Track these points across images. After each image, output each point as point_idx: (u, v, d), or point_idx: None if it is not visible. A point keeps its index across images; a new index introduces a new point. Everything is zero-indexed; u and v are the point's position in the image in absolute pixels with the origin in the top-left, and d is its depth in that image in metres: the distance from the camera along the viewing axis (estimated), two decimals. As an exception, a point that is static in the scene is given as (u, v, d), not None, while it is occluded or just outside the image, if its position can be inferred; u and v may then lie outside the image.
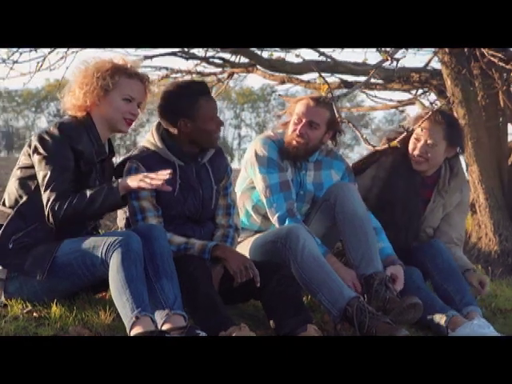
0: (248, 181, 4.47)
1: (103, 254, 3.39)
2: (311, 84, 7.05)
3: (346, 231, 4.21)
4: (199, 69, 7.32)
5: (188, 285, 3.50)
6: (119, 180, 3.53)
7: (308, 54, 5.92)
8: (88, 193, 3.48)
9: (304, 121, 4.34)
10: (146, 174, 3.48)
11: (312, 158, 4.48)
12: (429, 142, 4.51)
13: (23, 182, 3.62)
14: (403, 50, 3.58)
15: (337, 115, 3.84)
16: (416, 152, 4.54)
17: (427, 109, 4.91)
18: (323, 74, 6.52)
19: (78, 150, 3.56)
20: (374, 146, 3.48)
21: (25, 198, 3.60)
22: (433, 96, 6.48)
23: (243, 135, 74.00)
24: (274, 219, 4.32)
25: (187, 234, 3.90)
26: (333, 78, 6.82)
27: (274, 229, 4.32)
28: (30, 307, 3.53)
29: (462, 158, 4.85)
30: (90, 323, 3.53)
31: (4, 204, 3.66)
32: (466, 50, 5.55)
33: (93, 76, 3.66)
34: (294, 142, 4.36)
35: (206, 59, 6.83)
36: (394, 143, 3.62)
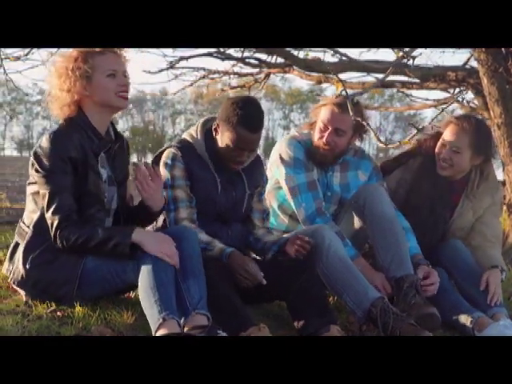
0: (274, 181, 4.46)
1: (135, 260, 3.39)
2: (348, 84, 7.00)
3: (375, 233, 4.18)
4: (236, 69, 7.34)
5: (208, 286, 3.48)
6: (136, 230, 3.43)
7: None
8: (100, 233, 3.40)
9: (330, 129, 4.32)
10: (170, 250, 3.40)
11: (339, 160, 4.45)
12: (454, 148, 4.42)
13: (34, 198, 3.58)
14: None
15: (351, 113, 3.80)
16: (441, 157, 4.47)
17: (456, 115, 4.79)
18: (359, 74, 6.55)
19: (73, 158, 3.46)
20: (386, 145, 3.43)
21: (38, 214, 3.54)
22: (470, 95, 6.40)
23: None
24: (302, 218, 4.31)
25: (215, 232, 3.93)
26: (369, 78, 6.78)
27: (301, 229, 4.30)
28: (54, 307, 3.55)
29: (494, 163, 4.75)
30: (113, 323, 3.54)
31: (24, 221, 3.63)
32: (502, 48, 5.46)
33: (67, 70, 3.54)
34: (321, 150, 4.36)
35: (241, 60, 6.83)
36: (406, 141, 3.57)
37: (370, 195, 4.22)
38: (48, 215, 3.45)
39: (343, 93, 3.40)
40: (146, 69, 7.22)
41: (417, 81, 6.33)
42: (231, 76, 7.48)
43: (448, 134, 4.46)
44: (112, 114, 3.68)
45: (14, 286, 3.64)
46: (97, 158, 3.57)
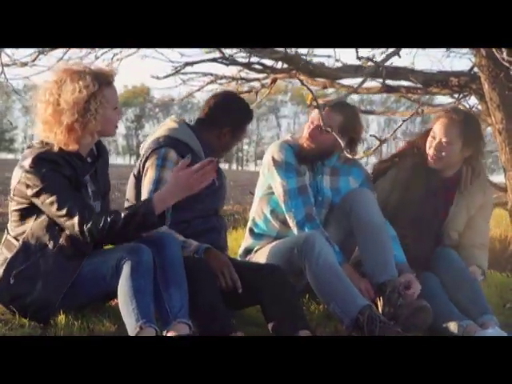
0: (266, 186, 4.45)
1: (114, 268, 3.40)
2: (352, 88, 6.96)
3: (360, 239, 4.18)
4: (243, 75, 7.31)
5: (190, 288, 3.48)
6: (154, 195, 3.46)
7: (347, 58, 5.86)
8: (121, 215, 3.39)
9: (314, 124, 4.30)
10: (192, 170, 3.39)
11: (329, 163, 4.44)
12: (443, 140, 4.41)
13: (22, 214, 3.54)
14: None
15: (322, 123, 3.78)
16: (431, 150, 4.45)
17: (444, 108, 4.80)
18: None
19: (66, 175, 3.46)
20: (351, 155, 3.40)
21: (27, 231, 3.50)
22: (473, 100, 6.34)
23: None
24: (292, 224, 4.30)
25: (214, 225, 4.04)
26: (374, 83, 6.72)
27: (292, 235, 4.29)
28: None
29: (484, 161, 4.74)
30: (96, 331, 3.55)
31: (10, 233, 3.59)
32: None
33: (83, 103, 3.45)
34: (305, 145, 4.35)
35: (246, 65, 6.80)
36: (368, 152, 3.54)
37: (357, 200, 4.21)
38: (64, 219, 3.42)
39: (314, 103, 3.35)
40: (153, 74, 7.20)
41: (420, 86, 6.28)
42: (238, 81, 7.45)
43: (437, 127, 4.46)
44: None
45: None
46: (84, 179, 3.56)
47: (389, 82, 6.45)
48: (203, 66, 7.08)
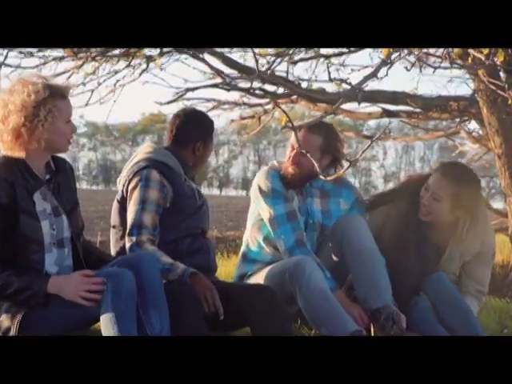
0: (257, 213, 4.45)
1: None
2: (355, 114, 6.97)
3: (353, 265, 4.16)
4: (245, 100, 7.34)
5: (173, 312, 3.48)
6: (51, 279, 3.41)
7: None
8: (16, 282, 3.35)
9: (295, 149, 4.28)
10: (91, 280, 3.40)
11: (317, 184, 4.41)
12: (434, 195, 4.31)
13: None
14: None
15: (296, 145, 3.78)
16: (422, 201, 4.36)
17: (443, 161, 4.66)
18: (365, 104, 6.50)
19: (2, 205, 3.39)
20: (325, 177, 3.39)
21: None
22: (474, 124, 6.32)
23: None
24: (282, 250, 4.29)
25: (201, 246, 4.05)
26: (374, 108, 6.72)
27: (283, 260, 4.27)
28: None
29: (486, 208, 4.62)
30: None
31: None
32: (503, 77, 5.38)
33: (32, 107, 3.43)
34: (290, 170, 4.36)
35: (247, 90, 6.81)
36: (341, 173, 3.52)
37: (348, 227, 4.20)
38: None
39: (288, 124, 3.34)
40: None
41: (420, 111, 6.27)
42: (241, 106, 7.48)
43: (431, 179, 4.34)
44: (50, 155, 3.63)
45: None
46: (32, 198, 3.48)
47: (389, 107, 6.46)
48: (206, 92, 7.08)
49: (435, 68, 4.46)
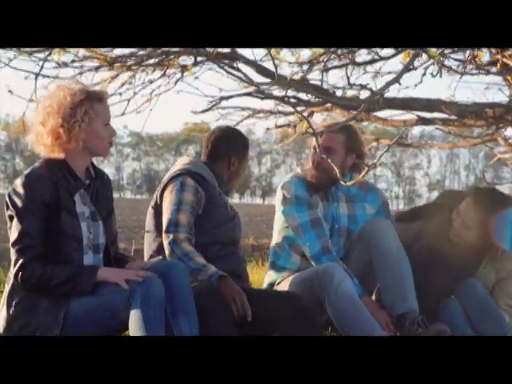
0: (283, 220, 4.45)
1: (126, 299, 3.43)
2: (389, 121, 6.93)
3: (379, 269, 4.15)
4: (280, 108, 7.34)
5: (202, 316, 3.52)
6: (100, 271, 3.52)
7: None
8: (68, 271, 3.47)
9: (318, 149, 4.28)
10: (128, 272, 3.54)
11: (342, 189, 4.43)
12: (464, 223, 4.24)
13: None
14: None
15: (317, 148, 3.79)
16: (453, 226, 4.30)
17: (477, 186, 4.54)
18: (400, 111, 6.47)
19: (45, 201, 3.50)
20: (345, 182, 3.36)
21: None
22: (510, 131, 6.25)
23: (378, 175, 73.61)
24: (309, 257, 4.28)
25: (233, 254, 4.13)
26: (409, 115, 6.68)
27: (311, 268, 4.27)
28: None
29: None
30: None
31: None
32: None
33: (70, 109, 3.55)
34: (313, 175, 4.32)
35: (281, 99, 6.81)
36: (359, 178, 3.50)
37: (375, 231, 4.19)
38: (13, 254, 3.48)
39: (309, 130, 3.34)
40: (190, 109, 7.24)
41: (455, 118, 6.21)
42: (276, 115, 7.48)
43: (463, 206, 4.26)
44: (90, 159, 3.73)
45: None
46: (72, 198, 3.59)
47: (424, 114, 6.42)
48: (241, 101, 7.09)
49: (461, 74, 4.42)
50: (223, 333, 3.57)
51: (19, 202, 3.49)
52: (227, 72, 5.77)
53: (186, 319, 3.45)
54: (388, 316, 4.08)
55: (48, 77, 5.53)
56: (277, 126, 7.73)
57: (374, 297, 4.36)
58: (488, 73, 5.43)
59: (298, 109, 7.34)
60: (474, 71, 5.07)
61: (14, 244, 3.48)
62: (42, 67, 5.33)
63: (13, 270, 3.48)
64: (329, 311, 3.98)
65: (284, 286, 4.32)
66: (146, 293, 3.40)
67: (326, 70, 6.10)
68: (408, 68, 3.41)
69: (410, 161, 79.57)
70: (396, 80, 3.39)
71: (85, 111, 3.56)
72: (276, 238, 4.54)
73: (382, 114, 6.81)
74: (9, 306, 3.53)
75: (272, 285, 4.49)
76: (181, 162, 4.27)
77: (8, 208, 3.53)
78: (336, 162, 4.27)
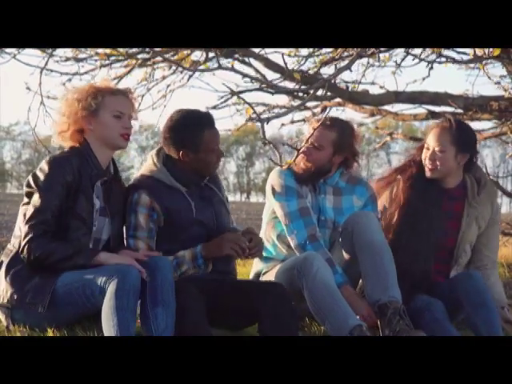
0: (271, 211, 4.48)
1: (102, 284, 3.51)
2: (400, 116, 6.92)
3: (362, 259, 4.14)
4: (293, 103, 7.33)
5: (177, 314, 3.55)
6: (101, 254, 3.65)
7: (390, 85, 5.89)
8: (70, 249, 3.62)
9: (309, 143, 4.30)
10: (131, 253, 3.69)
11: (331, 181, 4.44)
12: (436, 148, 4.38)
13: (22, 218, 3.74)
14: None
15: (262, 136, 3.78)
16: (426, 161, 4.43)
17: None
18: (408, 106, 6.46)
19: (68, 182, 3.67)
20: (281, 166, 3.35)
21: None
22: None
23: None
24: (294, 245, 4.31)
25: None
26: (420, 109, 6.67)
27: (292, 256, 4.29)
28: (27, 334, 3.66)
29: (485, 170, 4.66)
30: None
31: (11, 242, 3.80)
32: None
33: (74, 102, 3.80)
34: (302, 165, 4.35)
35: (292, 93, 6.83)
36: (289, 162, 3.50)
37: (359, 222, 4.18)
38: (25, 227, 3.64)
39: (254, 115, 3.35)
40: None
41: (461, 111, 6.18)
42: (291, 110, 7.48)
43: (430, 137, 4.44)
44: (112, 152, 3.92)
45: None
46: (92, 186, 3.76)
47: (432, 107, 6.41)
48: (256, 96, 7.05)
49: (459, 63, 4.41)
50: (196, 327, 3.59)
51: (42, 180, 3.67)
52: (245, 63, 5.81)
53: (164, 311, 3.50)
54: (369, 305, 4.07)
55: (61, 73, 5.62)
56: (292, 122, 7.75)
57: (358, 290, 4.35)
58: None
59: (316, 103, 7.39)
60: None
61: (28, 220, 3.63)
62: (46, 63, 5.39)
63: (22, 243, 3.62)
64: (306, 298, 3.96)
65: (269, 276, 4.32)
66: (122, 279, 3.46)
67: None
68: (360, 55, 3.40)
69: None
70: (347, 67, 3.39)
71: (98, 103, 3.78)
72: (264, 228, 4.55)
73: (393, 108, 6.81)
74: (6, 275, 3.68)
75: (258, 274, 4.49)
76: (145, 166, 4.06)
77: (29, 185, 3.71)
78: (323, 159, 4.32)
